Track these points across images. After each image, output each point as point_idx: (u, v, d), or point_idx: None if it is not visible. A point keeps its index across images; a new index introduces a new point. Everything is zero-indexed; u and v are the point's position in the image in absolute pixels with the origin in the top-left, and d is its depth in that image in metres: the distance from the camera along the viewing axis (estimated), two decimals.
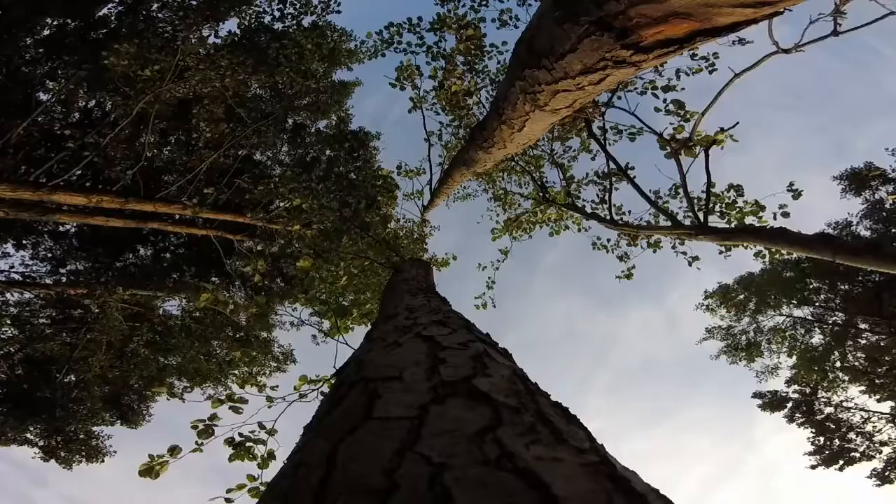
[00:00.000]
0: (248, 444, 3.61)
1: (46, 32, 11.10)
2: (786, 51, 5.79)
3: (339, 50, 13.11)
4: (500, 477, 0.61)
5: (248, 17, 11.37)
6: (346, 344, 3.74)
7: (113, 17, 11.25)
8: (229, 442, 3.59)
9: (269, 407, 3.80)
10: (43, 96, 11.36)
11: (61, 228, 13.96)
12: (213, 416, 3.58)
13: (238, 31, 11.42)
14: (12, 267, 13.35)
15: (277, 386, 3.86)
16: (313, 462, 0.72)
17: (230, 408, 3.63)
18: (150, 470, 3.24)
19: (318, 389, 3.83)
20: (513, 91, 2.94)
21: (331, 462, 0.70)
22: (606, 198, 7.82)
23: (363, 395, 0.93)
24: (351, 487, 0.62)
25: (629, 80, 7.10)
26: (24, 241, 13.44)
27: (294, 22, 11.61)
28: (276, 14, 11.43)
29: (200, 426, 3.50)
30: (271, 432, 3.69)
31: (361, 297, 6.84)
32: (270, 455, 3.66)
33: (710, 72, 6.83)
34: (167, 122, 12.23)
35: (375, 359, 1.19)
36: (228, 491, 3.31)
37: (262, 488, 3.52)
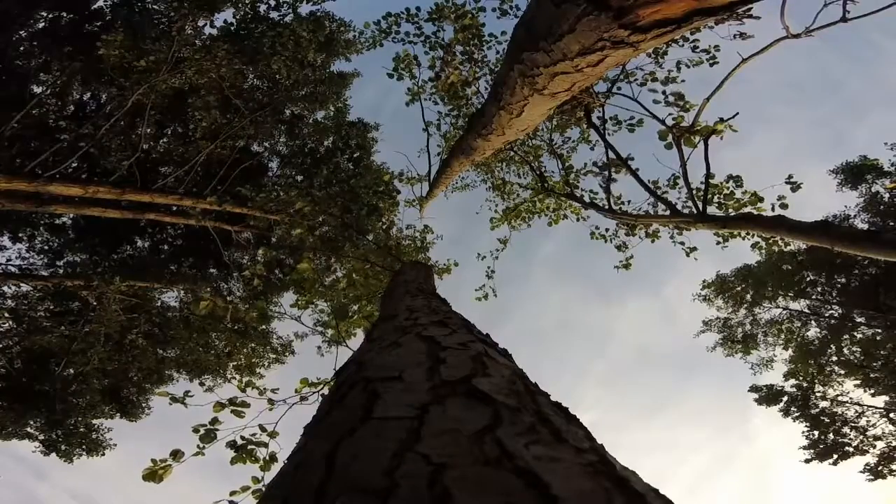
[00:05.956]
0: (249, 447, 3.62)
1: (41, 25, 10.99)
2: (795, 36, 5.74)
3: (337, 40, 13.00)
4: (500, 477, 0.61)
5: (243, 7, 11.25)
6: (348, 347, 3.75)
7: (108, 10, 11.14)
8: (231, 445, 3.60)
9: (271, 409, 3.80)
10: (37, 89, 11.26)
11: (58, 221, 13.91)
12: (215, 420, 3.58)
13: (234, 21, 11.31)
14: (9, 260, 13.32)
15: (278, 389, 3.86)
16: (313, 462, 0.72)
17: (232, 411, 3.63)
18: (154, 474, 3.25)
19: (318, 392, 3.83)
20: (511, 75, 2.92)
21: (331, 462, 0.70)
22: (606, 187, 7.81)
23: (363, 395, 0.93)
24: (351, 487, 0.62)
25: (630, 70, 7.06)
26: (20, 234, 13.39)
27: (290, 10, 11.50)
28: (273, 3, 11.31)
29: (202, 430, 3.51)
30: (273, 434, 3.69)
31: (363, 302, 6.83)
32: (272, 457, 3.66)
33: (711, 64, 6.79)
34: (163, 113, 12.15)
35: (375, 359, 1.19)
36: (232, 493, 3.33)
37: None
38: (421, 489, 0.58)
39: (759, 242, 8.04)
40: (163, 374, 14.68)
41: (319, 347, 13.16)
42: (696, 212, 6.30)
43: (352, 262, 7.27)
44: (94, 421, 13.91)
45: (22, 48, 10.85)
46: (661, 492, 0.68)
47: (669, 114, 6.41)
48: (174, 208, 13.17)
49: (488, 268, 10.07)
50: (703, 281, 18.80)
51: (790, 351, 17.73)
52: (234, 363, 14.31)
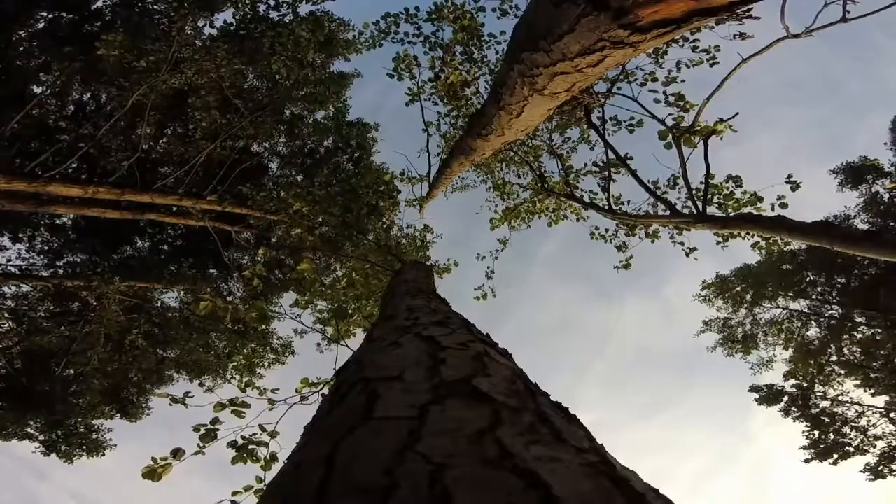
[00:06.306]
0: (250, 447, 3.63)
1: (41, 25, 10.99)
2: (795, 36, 5.73)
3: (337, 40, 13.00)
4: (500, 477, 0.60)
5: (243, 7, 11.24)
6: (348, 347, 3.75)
7: (108, 10, 11.13)
8: (232, 445, 3.61)
9: (271, 409, 3.80)
10: (37, 89, 11.26)
11: (58, 221, 13.91)
12: (215, 420, 3.58)
13: (234, 21, 11.30)
14: (9, 260, 13.32)
15: (278, 389, 3.86)
16: (313, 462, 0.72)
17: (232, 411, 3.64)
18: (153, 472, 3.25)
19: (318, 392, 3.83)
20: (511, 75, 2.91)
21: (331, 462, 0.70)
22: (605, 187, 7.81)
23: (363, 394, 0.93)
24: (351, 487, 0.62)
25: (630, 70, 7.06)
26: (20, 234, 13.39)
27: (290, 10, 11.49)
28: (272, 3, 11.30)
29: (202, 430, 3.51)
30: (273, 434, 3.69)
31: (363, 302, 6.84)
32: (273, 457, 3.67)
33: (711, 64, 6.79)
34: (163, 114, 12.14)
35: (375, 359, 1.18)
36: (234, 493, 3.34)
37: None
38: (421, 489, 0.58)
39: (759, 242, 8.04)
40: (163, 374, 14.68)
41: (319, 345, 13.21)
42: (695, 212, 6.30)
43: (352, 261, 7.27)
44: (94, 421, 13.90)
45: (22, 48, 10.84)
46: (661, 492, 0.68)
47: (669, 114, 6.43)
48: (174, 208, 13.16)
49: (488, 268, 10.08)
50: (703, 281, 18.79)
51: (790, 351, 17.71)
52: (234, 364, 14.31)
